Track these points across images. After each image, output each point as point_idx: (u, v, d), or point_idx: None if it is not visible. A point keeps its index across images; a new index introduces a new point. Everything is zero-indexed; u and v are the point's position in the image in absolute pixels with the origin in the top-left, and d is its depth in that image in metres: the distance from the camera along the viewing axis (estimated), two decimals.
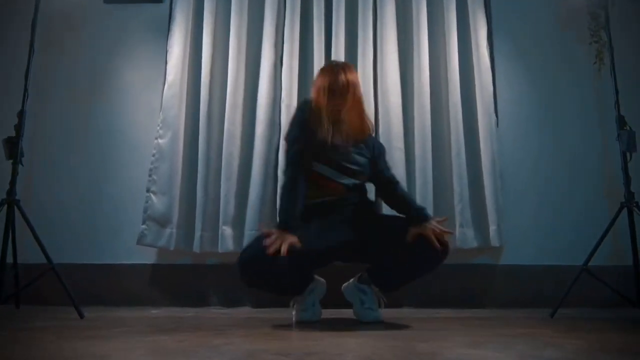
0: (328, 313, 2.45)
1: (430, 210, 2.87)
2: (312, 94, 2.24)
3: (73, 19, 3.13)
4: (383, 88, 2.94)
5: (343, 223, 2.17)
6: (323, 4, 3.02)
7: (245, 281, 2.06)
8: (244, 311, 2.43)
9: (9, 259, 2.37)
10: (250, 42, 2.97)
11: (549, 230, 2.91)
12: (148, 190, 2.84)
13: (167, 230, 2.75)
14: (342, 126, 2.18)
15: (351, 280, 2.27)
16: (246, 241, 2.75)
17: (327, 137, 2.14)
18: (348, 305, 2.52)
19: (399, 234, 2.10)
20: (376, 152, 2.28)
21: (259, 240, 2.03)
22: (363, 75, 2.90)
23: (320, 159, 2.14)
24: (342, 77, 2.13)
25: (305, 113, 2.17)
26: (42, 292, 2.47)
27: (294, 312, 2.20)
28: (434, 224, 2.06)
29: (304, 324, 2.12)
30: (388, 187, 2.27)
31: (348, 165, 2.17)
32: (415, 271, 2.21)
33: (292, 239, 1.93)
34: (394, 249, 2.11)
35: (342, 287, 2.27)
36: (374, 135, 2.46)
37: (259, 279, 2.06)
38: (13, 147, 2.40)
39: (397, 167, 2.84)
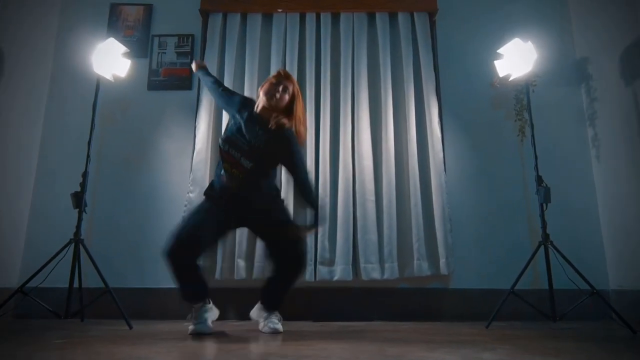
0: (317, 325, 2.53)
1: (394, 247, 2.89)
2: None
3: (124, 102, 3.27)
4: (359, 154, 3.06)
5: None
6: (314, 96, 3.13)
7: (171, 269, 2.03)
8: (254, 324, 2.37)
9: (76, 284, 2.46)
10: None
11: (485, 261, 2.99)
12: None
13: None
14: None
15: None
16: (256, 271, 2.84)
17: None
18: (335, 318, 2.72)
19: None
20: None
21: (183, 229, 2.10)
22: (344, 145, 3.04)
23: None
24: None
25: None
26: (101, 309, 2.51)
27: (190, 326, 2.16)
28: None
29: (198, 334, 2.08)
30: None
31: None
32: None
33: None
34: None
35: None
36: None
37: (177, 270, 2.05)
38: (78, 199, 2.52)
39: (369, 215, 2.94)
